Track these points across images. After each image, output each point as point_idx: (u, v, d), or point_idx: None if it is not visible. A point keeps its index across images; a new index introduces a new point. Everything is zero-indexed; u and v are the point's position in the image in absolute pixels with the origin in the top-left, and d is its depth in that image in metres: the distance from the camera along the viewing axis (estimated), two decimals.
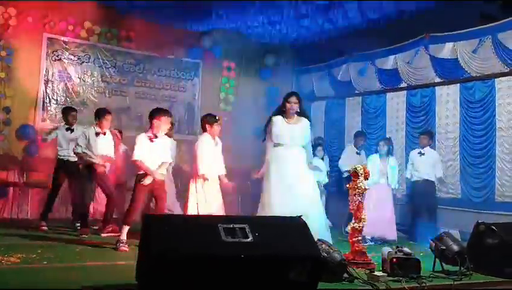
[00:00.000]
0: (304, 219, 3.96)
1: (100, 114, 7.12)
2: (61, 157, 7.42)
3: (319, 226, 5.44)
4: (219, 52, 10.61)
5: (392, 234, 7.55)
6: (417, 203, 7.95)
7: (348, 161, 8.60)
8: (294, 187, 5.80)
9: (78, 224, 7.18)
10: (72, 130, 7.48)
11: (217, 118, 6.48)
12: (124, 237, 5.78)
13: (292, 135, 6.01)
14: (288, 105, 6.04)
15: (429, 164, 7.94)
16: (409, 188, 8.40)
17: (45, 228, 7.09)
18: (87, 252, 5.54)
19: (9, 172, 8.61)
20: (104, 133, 7.08)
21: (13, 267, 4.40)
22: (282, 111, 6.11)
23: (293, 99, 6.07)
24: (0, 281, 3.83)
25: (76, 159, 7.27)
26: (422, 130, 8.55)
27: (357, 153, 8.87)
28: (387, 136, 8.75)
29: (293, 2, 8.78)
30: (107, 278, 4.06)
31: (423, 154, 7.96)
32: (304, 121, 6.11)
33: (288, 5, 8.86)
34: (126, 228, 5.82)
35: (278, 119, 6.05)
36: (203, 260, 3.39)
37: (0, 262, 4.52)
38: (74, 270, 4.53)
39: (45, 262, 4.68)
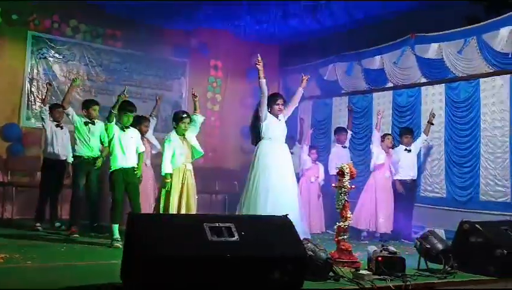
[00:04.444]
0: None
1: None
2: (50, 157, 7.35)
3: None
4: (206, 51, 10.59)
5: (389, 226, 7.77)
6: (409, 202, 8.00)
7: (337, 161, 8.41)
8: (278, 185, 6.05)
9: (58, 224, 7.27)
10: (62, 127, 7.42)
11: (184, 115, 6.21)
12: (116, 234, 5.89)
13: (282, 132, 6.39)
14: (276, 107, 6.27)
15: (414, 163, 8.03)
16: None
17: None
18: (73, 251, 5.51)
19: None
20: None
21: None
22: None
23: (281, 101, 6.42)
24: None
25: (65, 158, 7.28)
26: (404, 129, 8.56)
27: (344, 147, 8.76)
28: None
29: (280, 2, 8.80)
30: (92, 278, 4.03)
31: (410, 151, 8.01)
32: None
33: (275, 5, 8.88)
34: (115, 226, 5.94)
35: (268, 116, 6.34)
36: (188, 259, 3.38)
37: None
38: (59, 270, 4.48)
39: (29, 262, 4.64)
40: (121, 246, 5.50)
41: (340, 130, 8.90)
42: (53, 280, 3.94)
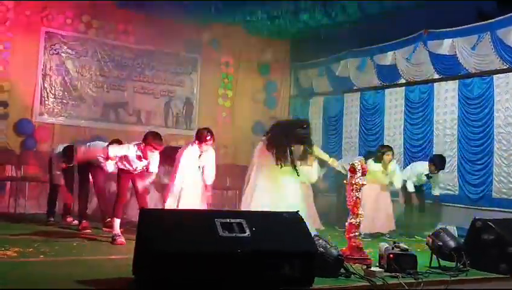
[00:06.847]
0: None
1: None
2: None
3: None
4: (218, 46, 10.58)
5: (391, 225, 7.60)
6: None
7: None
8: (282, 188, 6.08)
9: (70, 218, 7.31)
10: None
11: (208, 138, 6.16)
12: (117, 230, 5.84)
13: None
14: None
15: None
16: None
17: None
18: (84, 246, 5.54)
19: (7, 166, 8.58)
20: None
21: (10, 261, 4.39)
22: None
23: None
24: None
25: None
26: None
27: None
28: (386, 135, 8.67)
29: None
30: (104, 272, 4.06)
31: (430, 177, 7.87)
32: None
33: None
34: (117, 221, 5.89)
35: None
36: (199, 254, 3.39)
37: None
38: (70, 264, 4.52)
39: (42, 256, 4.68)
40: (124, 243, 5.58)
41: None
42: (65, 274, 3.96)
